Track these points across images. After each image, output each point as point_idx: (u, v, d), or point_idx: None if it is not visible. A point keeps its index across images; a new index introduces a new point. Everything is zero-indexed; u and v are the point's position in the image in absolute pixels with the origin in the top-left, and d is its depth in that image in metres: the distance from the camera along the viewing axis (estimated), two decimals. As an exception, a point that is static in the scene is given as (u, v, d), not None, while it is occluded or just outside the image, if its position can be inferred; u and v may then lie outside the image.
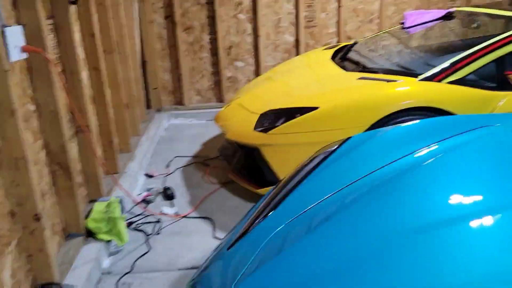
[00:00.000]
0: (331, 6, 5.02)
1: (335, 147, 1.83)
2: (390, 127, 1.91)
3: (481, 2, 5.10)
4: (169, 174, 3.75)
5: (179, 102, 5.21)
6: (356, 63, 3.34)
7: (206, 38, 5.00)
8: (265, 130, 2.94)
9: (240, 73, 5.15)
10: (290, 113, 2.92)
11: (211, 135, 4.59)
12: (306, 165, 1.78)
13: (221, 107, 5.17)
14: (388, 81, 2.82)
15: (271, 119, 3.01)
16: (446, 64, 2.79)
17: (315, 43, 5.11)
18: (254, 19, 4.96)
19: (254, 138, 2.99)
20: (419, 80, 2.77)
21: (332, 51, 4.00)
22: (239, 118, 3.29)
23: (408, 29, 3.91)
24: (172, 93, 5.19)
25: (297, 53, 5.10)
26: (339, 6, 4.99)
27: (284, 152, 2.86)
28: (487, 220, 1.14)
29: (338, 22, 5.06)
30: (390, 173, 1.47)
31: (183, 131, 4.80)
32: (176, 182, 3.59)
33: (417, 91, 2.68)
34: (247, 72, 5.15)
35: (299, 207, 1.44)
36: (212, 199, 3.30)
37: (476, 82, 2.75)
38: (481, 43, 2.91)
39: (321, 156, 1.78)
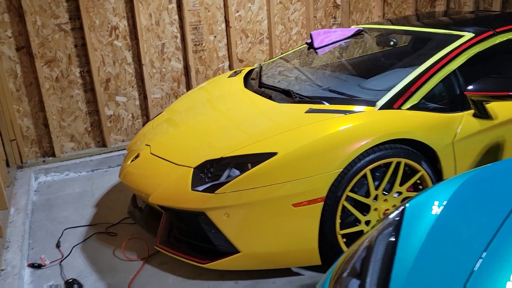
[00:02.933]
0: (219, 28, 4.55)
1: (391, 228, 1.33)
2: (447, 182, 1.50)
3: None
4: (65, 258, 2.79)
5: (47, 152, 4.13)
6: (286, 93, 2.90)
7: (76, 71, 4.06)
8: (210, 189, 2.30)
9: (124, 109, 4.32)
10: (239, 163, 2.34)
11: (101, 191, 3.69)
12: (368, 254, 1.26)
13: (104, 154, 4.29)
14: (345, 112, 2.45)
15: (213, 173, 2.38)
16: (398, 88, 2.53)
17: (205, 68, 4.57)
18: (135, 46, 4.20)
19: (195, 201, 2.32)
20: (379, 109, 2.46)
21: (239, 79, 3.51)
22: (162, 173, 2.57)
23: (319, 50, 3.65)
24: (37, 142, 4.09)
25: (188, 81, 4.49)
26: (228, 27, 4.55)
27: (241, 215, 2.26)
28: None
29: (228, 45, 4.61)
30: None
31: (61, 191, 3.78)
32: (79, 269, 2.68)
33: (385, 123, 2.36)
34: (132, 107, 4.34)
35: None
36: (141, 284, 2.51)
37: (432, 105, 2.55)
38: (416, 60, 2.76)
39: (385, 241, 1.27)
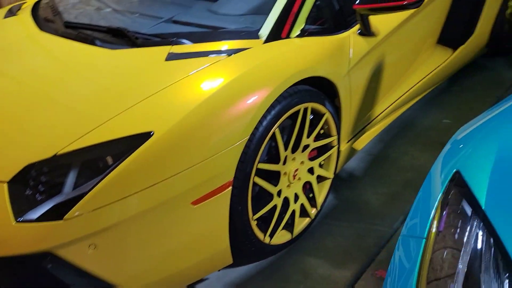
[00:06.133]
0: None
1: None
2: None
3: None
4: None
5: None
6: (116, 32, 1.96)
7: None
8: (53, 213, 1.38)
9: None
10: (89, 160, 1.45)
11: None
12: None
13: None
14: (222, 53, 1.73)
15: (47, 183, 1.44)
16: (277, 10, 1.90)
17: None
18: None
19: (29, 240, 1.38)
20: (265, 42, 1.82)
21: (26, 18, 2.33)
22: None
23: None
24: None
25: None
26: None
27: (116, 240, 1.43)
28: None
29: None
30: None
31: None
32: None
33: (285, 60, 1.75)
34: None
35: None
36: None
37: (317, 28, 2.03)
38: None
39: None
